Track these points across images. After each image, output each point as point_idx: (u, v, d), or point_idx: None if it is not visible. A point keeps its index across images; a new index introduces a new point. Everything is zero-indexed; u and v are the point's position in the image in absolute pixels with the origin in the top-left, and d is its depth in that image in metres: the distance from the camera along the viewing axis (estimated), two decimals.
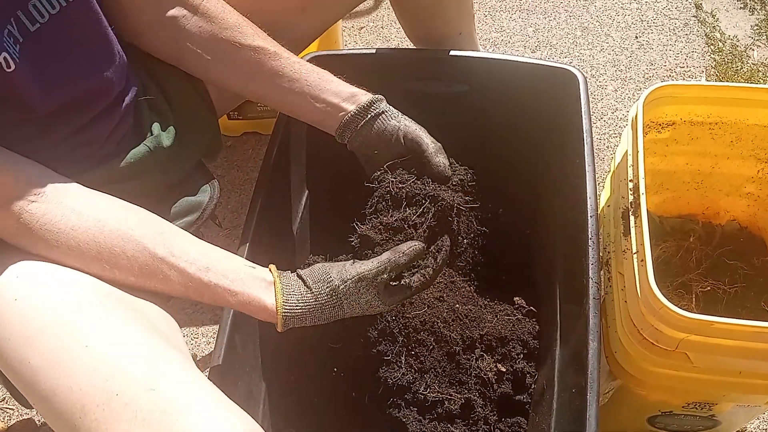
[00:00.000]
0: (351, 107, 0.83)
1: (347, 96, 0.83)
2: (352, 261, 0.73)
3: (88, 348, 0.57)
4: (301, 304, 0.70)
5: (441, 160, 0.83)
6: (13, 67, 0.63)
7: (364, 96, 0.84)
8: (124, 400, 0.54)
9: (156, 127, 0.82)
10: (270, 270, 0.73)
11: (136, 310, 0.65)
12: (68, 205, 0.66)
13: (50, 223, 0.64)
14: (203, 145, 0.89)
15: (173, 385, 0.56)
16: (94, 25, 0.74)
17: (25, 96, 0.66)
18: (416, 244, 0.75)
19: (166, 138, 0.82)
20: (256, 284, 0.70)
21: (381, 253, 0.74)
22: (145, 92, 0.85)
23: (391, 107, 0.85)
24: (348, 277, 0.71)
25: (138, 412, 0.54)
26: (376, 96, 0.84)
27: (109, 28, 0.76)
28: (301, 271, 0.73)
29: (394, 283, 0.74)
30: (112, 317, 0.61)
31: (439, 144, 0.84)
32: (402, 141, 0.83)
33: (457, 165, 0.88)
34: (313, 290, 0.71)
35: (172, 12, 0.82)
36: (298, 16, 0.93)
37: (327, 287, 0.71)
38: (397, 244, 0.76)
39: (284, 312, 0.69)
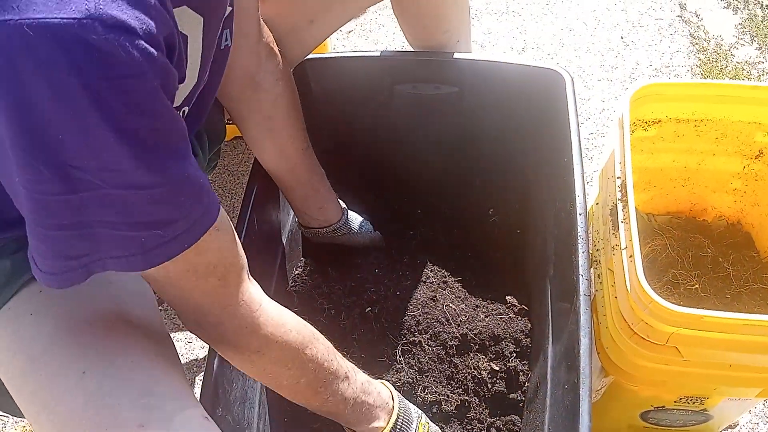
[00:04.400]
0: (337, 218, 1.01)
1: (335, 207, 1.01)
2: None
3: (85, 376, 0.57)
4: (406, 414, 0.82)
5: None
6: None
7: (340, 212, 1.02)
8: None
9: (197, 147, 0.84)
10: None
11: (137, 332, 0.65)
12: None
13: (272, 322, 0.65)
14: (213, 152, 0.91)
15: (163, 422, 0.57)
16: (224, 68, 0.74)
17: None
18: None
19: (203, 155, 0.84)
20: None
21: None
22: None
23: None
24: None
25: None
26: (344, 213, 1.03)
27: None
28: None
29: None
30: (113, 341, 0.61)
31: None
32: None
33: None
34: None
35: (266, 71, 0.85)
36: (307, 28, 0.96)
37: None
38: None
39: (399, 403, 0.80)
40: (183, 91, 0.61)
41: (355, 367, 0.77)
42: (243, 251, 0.62)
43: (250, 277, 0.64)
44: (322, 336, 0.72)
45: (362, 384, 0.76)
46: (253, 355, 0.64)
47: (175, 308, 0.61)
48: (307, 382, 0.69)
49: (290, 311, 0.69)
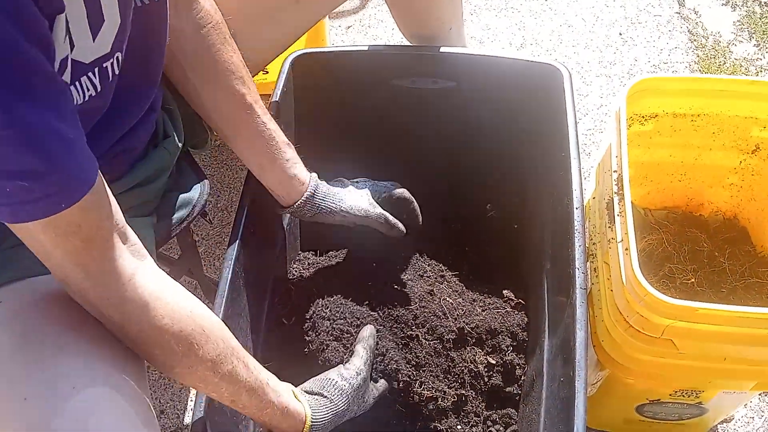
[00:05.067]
0: (312, 185, 0.90)
1: (303, 176, 0.90)
2: (338, 370, 0.83)
3: (26, 403, 0.54)
4: (324, 411, 0.78)
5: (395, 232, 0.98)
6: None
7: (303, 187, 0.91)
8: None
9: (170, 128, 0.82)
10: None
11: (96, 349, 0.60)
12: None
13: (159, 290, 0.61)
14: (189, 134, 0.90)
15: None
16: (164, 24, 0.73)
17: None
18: (369, 327, 0.90)
19: (178, 137, 0.83)
20: (290, 394, 0.76)
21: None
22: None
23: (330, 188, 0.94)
24: (349, 375, 0.82)
25: None
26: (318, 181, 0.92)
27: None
28: (307, 387, 0.80)
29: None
30: (62, 361, 0.57)
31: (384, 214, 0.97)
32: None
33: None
34: (329, 398, 0.79)
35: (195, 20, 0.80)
36: (292, 7, 0.94)
37: (337, 390, 0.80)
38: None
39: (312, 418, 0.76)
40: (108, 33, 0.59)
41: (276, 388, 0.72)
42: (120, 217, 0.58)
43: (132, 246, 0.60)
44: (225, 336, 0.67)
45: (272, 403, 0.71)
46: (116, 328, 0.60)
47: (42, 261, 0.57)
48: (181, 373, 0.64)
49: (185, 298, 0.64)
